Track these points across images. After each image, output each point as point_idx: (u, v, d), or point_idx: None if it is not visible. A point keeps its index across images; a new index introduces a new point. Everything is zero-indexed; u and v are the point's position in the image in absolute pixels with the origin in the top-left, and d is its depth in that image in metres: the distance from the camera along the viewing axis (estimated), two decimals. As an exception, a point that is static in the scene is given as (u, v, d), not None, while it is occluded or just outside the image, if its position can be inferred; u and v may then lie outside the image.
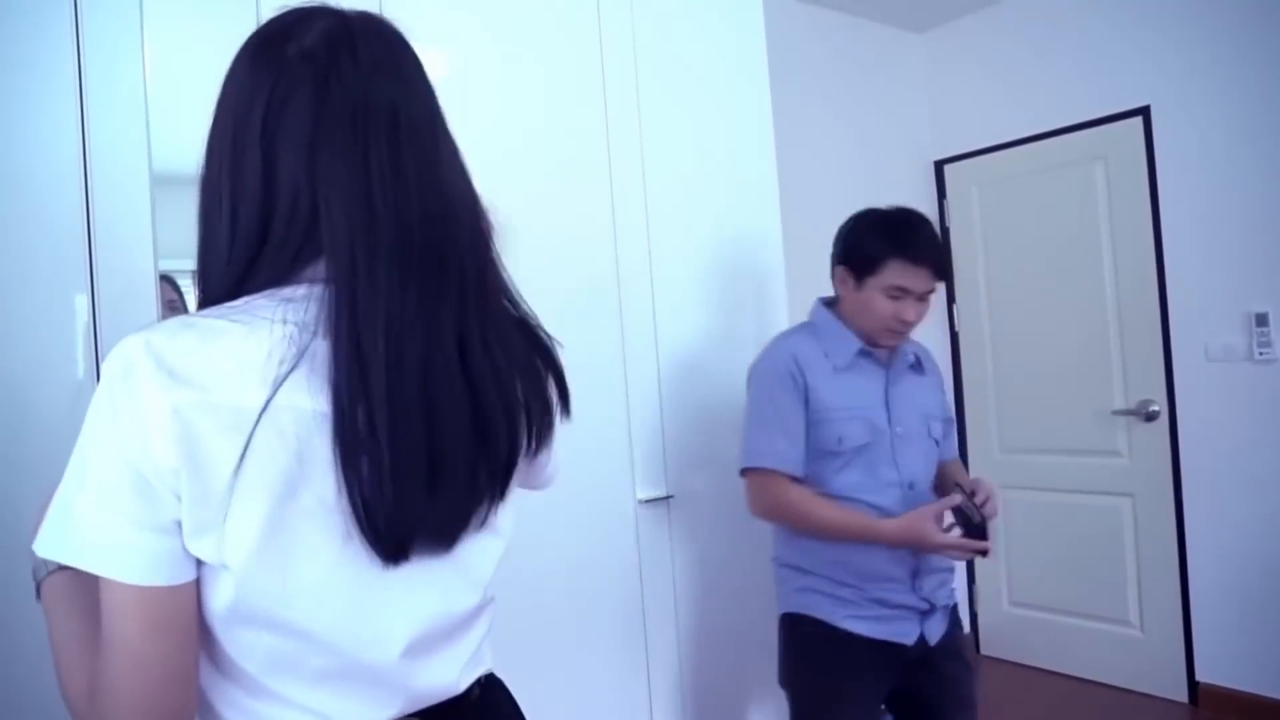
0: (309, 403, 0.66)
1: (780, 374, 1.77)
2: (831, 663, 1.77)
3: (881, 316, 1.74)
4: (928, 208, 3.91)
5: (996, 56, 3.71)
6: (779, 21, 2.89)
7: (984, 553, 1.64)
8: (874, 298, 1.74)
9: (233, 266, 0.71)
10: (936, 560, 1.76)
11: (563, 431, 0.85)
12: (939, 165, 3.93)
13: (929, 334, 3.84)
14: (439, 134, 0.75)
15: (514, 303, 0.81)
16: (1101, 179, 3.39)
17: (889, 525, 1.67)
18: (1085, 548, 3.49)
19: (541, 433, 0.80)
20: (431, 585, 0.75)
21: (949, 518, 1.66)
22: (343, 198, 0.68)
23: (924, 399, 1.84)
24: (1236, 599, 3.10)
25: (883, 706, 1.82)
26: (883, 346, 1.79)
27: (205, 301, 0.73)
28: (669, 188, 2.10)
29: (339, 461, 0.66)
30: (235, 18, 0.77)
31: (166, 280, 1.49)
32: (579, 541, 1.89)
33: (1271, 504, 3.00)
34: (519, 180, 1.85)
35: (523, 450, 0.77)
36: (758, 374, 1.82)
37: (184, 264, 1.23)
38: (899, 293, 1.72)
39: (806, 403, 1.75)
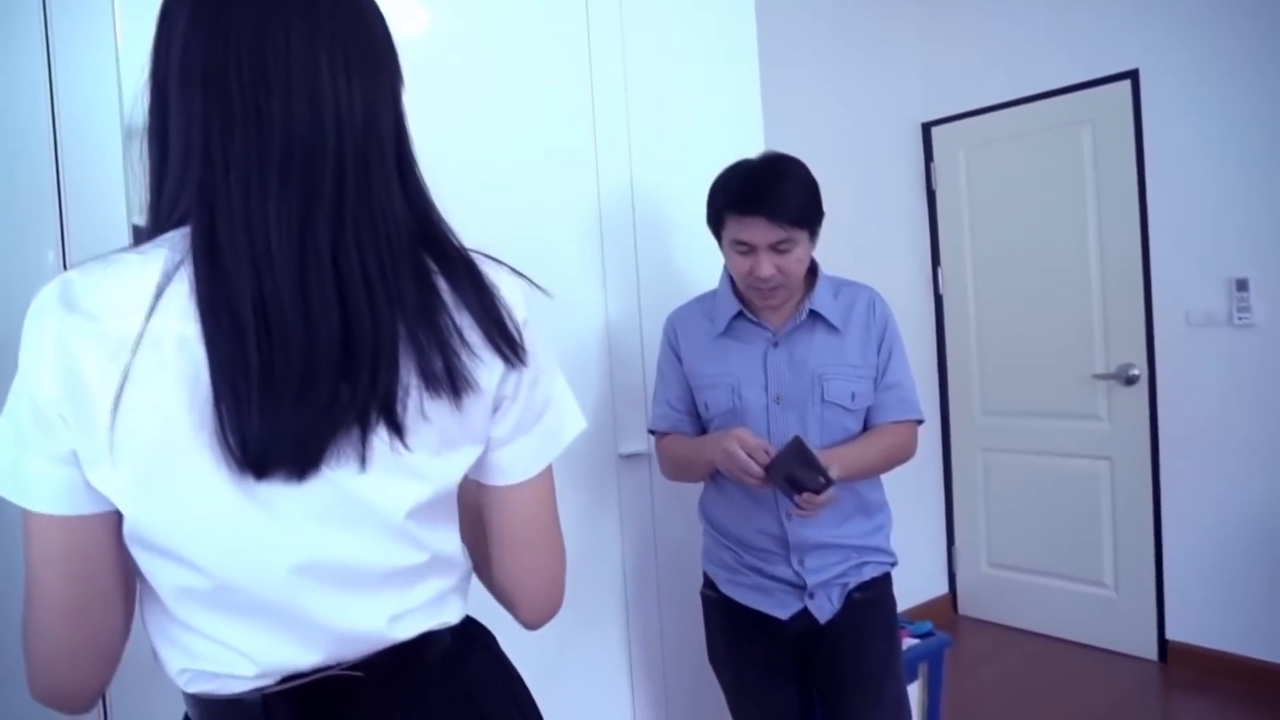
0: (185, 328, 0.66)
1: (663, 342, 1.85)
2: (722, 627, 1.81)
3: (740, 275, 1.67)
4: (915, 170, 3.90)
5: (987, 18, 3.67)
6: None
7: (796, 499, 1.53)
8: (729, 256, 1.69)
9: (151, 205, 0.74)
10: (823, 536, 1.69)
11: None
12: (926, 128, 3.90)
13: (914, 294, 3.86)
14: (319, 45, 0.71)
15: (435, 233, 0.77)
16: (1088, 143, 3.38)
17: (709, 438, 1.70)
18: (1063, 510, 3.54)
19: (452, 370, 0.73)
20: (318, 518, 0.71)
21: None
22: (202, 109, 0.68)
23: (822, 355, 1.69)
24: (1208, 560, 3.16)
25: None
26: (764, 306, 1.71)
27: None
28: (656, 144, 2.08)
29: (211, 379, 0.66)
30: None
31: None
32: (559, 497, 1.90)
33: (1246, 468, 3.05)
34: (507, 137, 1.83)
35: (409, 381, 0.71)
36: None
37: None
38: (743, 247, 1.63)
39: (682, 370, 1.80)
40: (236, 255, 0.66)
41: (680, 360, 1.80)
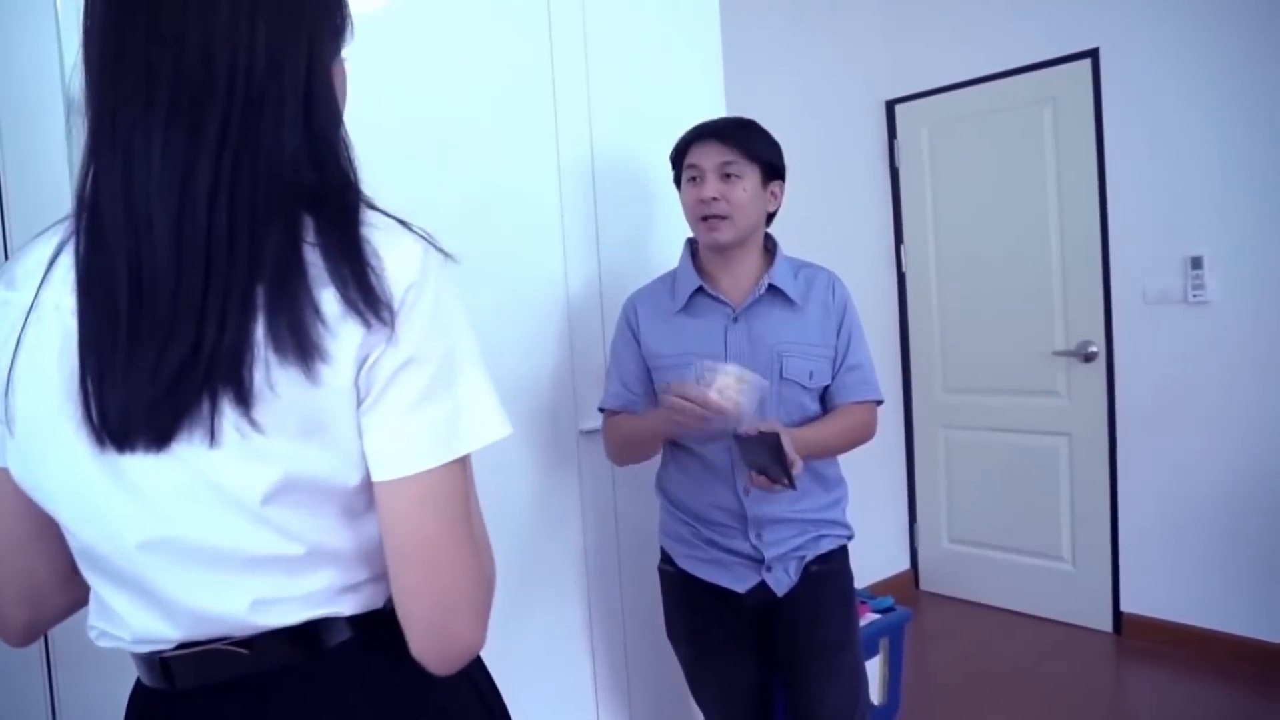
0: (63, 298, 0.70)
1: (620, 322, 1.83)
2: (679, 601, 1.82)
3: (690, 207, 1.72)
4: (878, 147, 3.91)
5: (950, -5, 3.68)
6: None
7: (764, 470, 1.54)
8: (682, 192, 1.75)
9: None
10: (780, 510, 1.70)
11: (497, 362, 0.80)
12: (890, 105, 3.91)
13: (877, 272, 3.88)
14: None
15: (329, 189, 0.72)
16: (1049, 121, 3.41)
17: (653, 410, 1.70)
18: (1023, 486, 3.59)
19: (299, 332, 0.67)
20: (172, 496, 0.70)
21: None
22: (98, 71, 0.68)
23: (782, 332, 1.70)
24: (1163, 534, 3.23)
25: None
26: (714, 248, 1.71)
27: None
28: (617, 122, 2.06)
29: (78, 349, 0.68)
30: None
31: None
32: (519, 472, 1.89)
33: (1200, 443, 3.11)
34: (468, 113, 1.80)
35: (256, 343, 0.66)
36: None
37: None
38: (694, 171, 1.70)
39: (642, 349, 1.77)
40: (115, 215, 0.67)
41: (639, 341, 1.78)
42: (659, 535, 1.88)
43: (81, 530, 0.74)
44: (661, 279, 1.84)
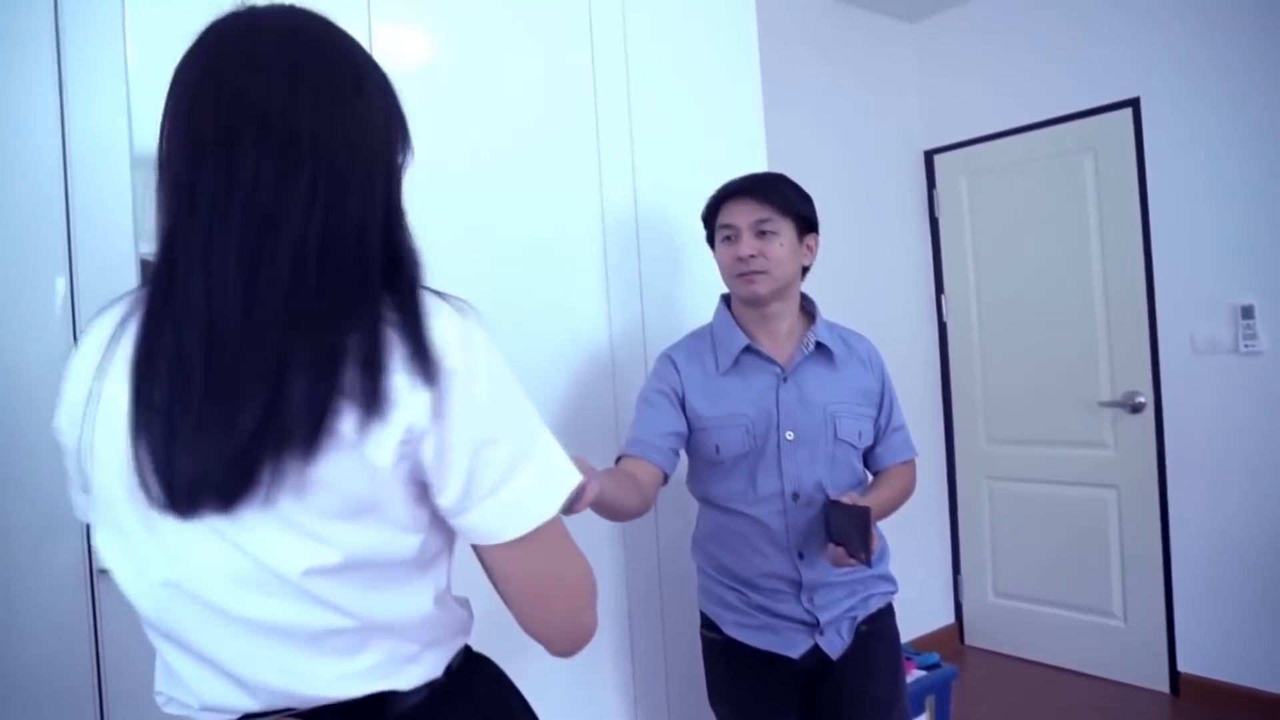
0: (108, 389, 0.74)
1: (659, 374, 1.74)
2: (728, 669, 1.75)
3: (726, 264, 1.70)
4: (917, 197, 3.92)
5: (988, 46, 3.70)
6: (770, 8, 2.88)
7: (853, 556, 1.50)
8: (718, 251, 1.73)
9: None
10: (833, 573, 1.66)
11: (541, 412, 0.81)
12: (929, 155, 3.92)
13: (918, 323, 3.86)
14: (265, 81, 0.73)
15: (363, 261, 0.74)
16: (1091, 170, 3.40)
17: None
18: (1070, 539, 3.51)
19: (372, 399, 0.69)
20: (226, 576, 0.73)
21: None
22: (164, 174, 0.74)
23: (831, 393, 1.70)
24: (1218, 590, 3.12)
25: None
26: (756, 305, 1.69)
27: None
28: (658, 170, 2.09)
29: (132, 431, 0.71)
30: (220, -1, 0.77)
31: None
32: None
33: (1254, 496, 3.03)
34: (509, 167, 1.84)
35: (307, 425, 0.68)
36: (651, 373, 1.78)
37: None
38: (728, 230, 1.69)
39: (685, 412, 1.69)
40: (192, 280, 0.70)
41: (683, 400, 1.70)
42: (699, 600, 1.81)
43: (146, 607, 0.79)
44: (696, 337, 1.79)
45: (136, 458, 0.70)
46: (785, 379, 1.69)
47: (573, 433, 1.92)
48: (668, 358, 1.76)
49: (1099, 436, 3.41)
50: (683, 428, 1.69)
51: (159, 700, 0.82)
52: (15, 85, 1.34)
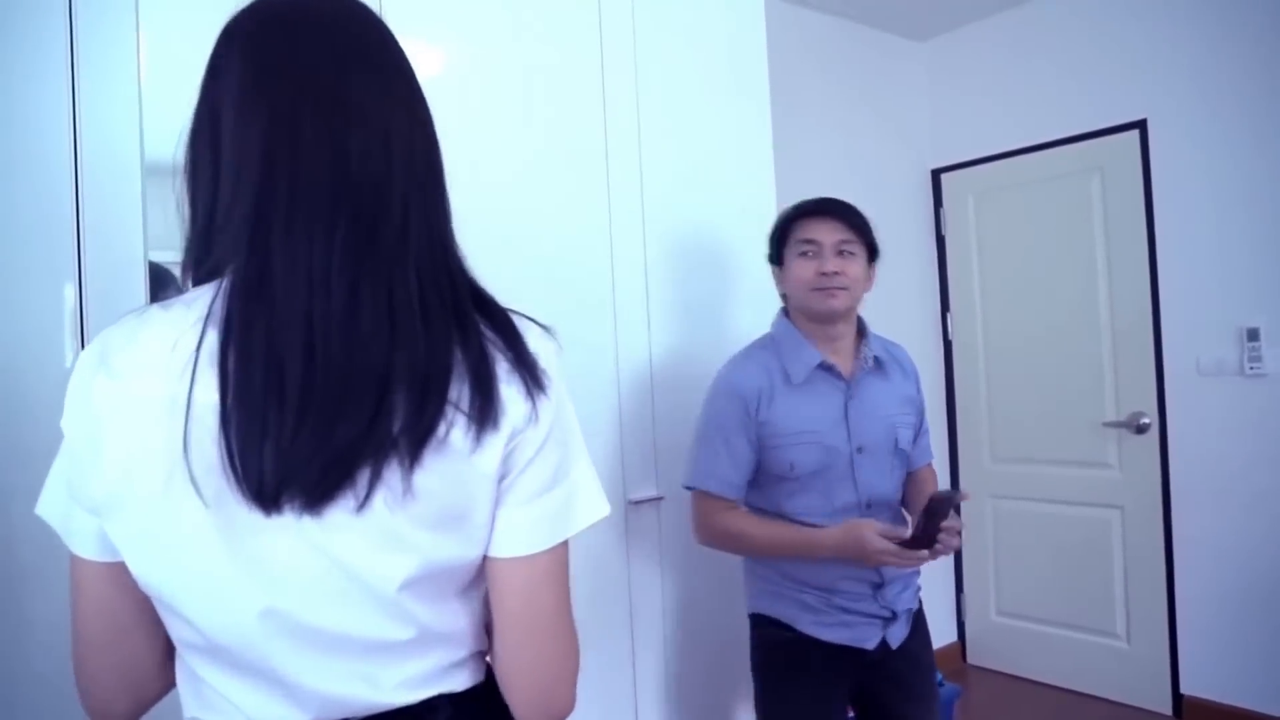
0: (200, 394, 0.67)
1: (732, 397, 1.74)
2: (793, 664, 1.79)
3: (805, 279, 1.74)
4: (924, 216, 3.92)
5: (996, 66, 3.71)
6: (780, 27, 2.89)
7: (924, 559, 1.62)
8: (793, 266, 1.77)
9: (188, 254, 0.74)
10: (901, 570, 1.73)
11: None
12: (936, 174, 3.93)
13: (924, 340, 3.85)
14: (362, 90, 0.73)
15: (455, 276, 0.76)
16: (1097, 191, 3.40)
17: (828, 536, 1.65)
18: (1074, 559, 3.50)
19: (483, 404, 0.71)
20: (336, 602, 0.71)
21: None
22: (247, 170, 0.69)
23: (889, 404, 1.79)
24: (1222, 612, 3.11)
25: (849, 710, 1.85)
26: (827, 321, 1.75)
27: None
28: (666, 189, 2.10)
29: (221, 448, 0.66)
30: (233, 3, 0.76)
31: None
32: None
33: (1259, 518, 3.01)
34: (518, 183, 1.85)
35: (411, 435, 0.69)
36: (713, 392, 1.79)
37: (176, 255, 1.22)
38: (809, 246, 1.74)
39: (759, 428, 1.72)
40: (294, 292, 0.67)
41: (757, 421, 1.72)
42: (762, 605, 1.81)
43: (209, 623, 0.71)
44: (762, 349, 1.81)
45: (228, 454, 0.65)
46: (851, 394, 1.75)
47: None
48: (738, 377, 1.77)
49: (1103, 457, 3.40)
50: (754, 460, 1.75)
51: None
52: (28, 91, 1.35)
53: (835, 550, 1.64)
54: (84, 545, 0.73)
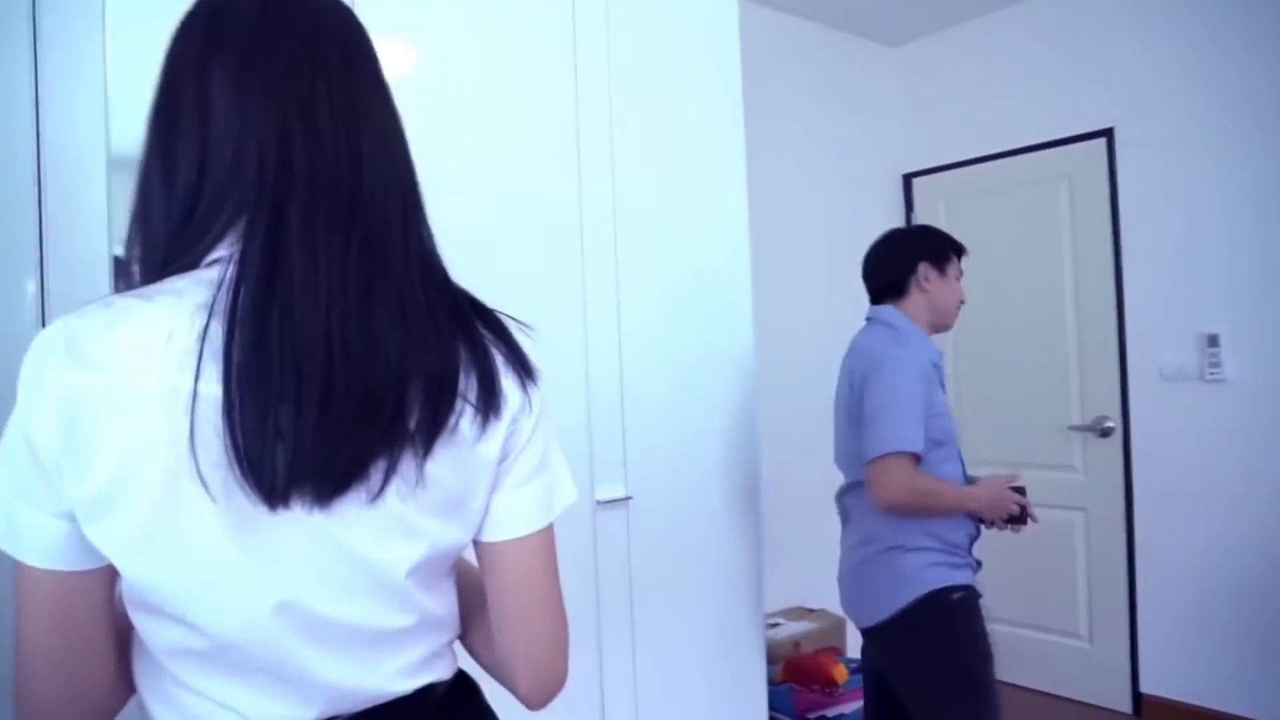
0: (205, 388, 0.64)
1: (922, 370, 1.91)
2: (979, 617, 1.95)
3: (957, 300, 2.09)
4: (895, 220, 3.95)
5: (968, 73, 3.76)
6: (754, 31, 2.90)
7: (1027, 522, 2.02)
8: (953, 285, 2.09)
9: (165, 232, 0.70)
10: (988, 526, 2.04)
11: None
12: (907, 178, 3.97)
13: (892, 344, 3.89)
14: (368, 92, 0.75)
15: (447, 278, 0.79)
16: (1065, 198, 3.45)
17: (980, 490, 1.97)
18: (1038, 561, 3.54)
19: (489, 393, 0.75)
20: (348, 590, 0.71)
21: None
22: (252, 160, 0.68)
23: None
24: (1182, 613, 3.17)
25: None
26: (941, 332, 2.09)
27: (141, 281, 0.72)
28: (638, 188, 2.10)
29: (227, 443, 0.64)
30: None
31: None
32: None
33: (1218, 520, 3.07)
34: (489, 178, 1.84)
35: (425, 428, 0.71)
36: (900, 365, 1.90)
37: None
38: (961, 277, 2.11)
39: (929, 400, 1.91)
40: (309, 281, 0.66)
41: (931, 394, 1.92)
42: (944, 575, 1.91)
43: (220, 623, 0.68)
44: (919, 335, 2.01)
45: (235, 451, 0.63)
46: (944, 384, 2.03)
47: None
48: (928, 360, 1.95)
49: (1068, 460, 3.45)
50: None
51: None
52: (-10, 82, 1.33)
53: (984, 503, 1.94)
54: (40, 554, 0.65)
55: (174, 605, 0.67)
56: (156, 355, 0.63)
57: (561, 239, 1.97)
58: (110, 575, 0.68)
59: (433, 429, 0.71)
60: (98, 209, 1.40)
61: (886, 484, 1.85)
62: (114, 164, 1.43)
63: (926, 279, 2.03)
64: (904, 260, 2.05)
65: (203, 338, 0.64)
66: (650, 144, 2.13)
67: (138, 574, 0.66)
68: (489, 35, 1.86)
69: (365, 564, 0.72)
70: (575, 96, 1.99)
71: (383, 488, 0.69)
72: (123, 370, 0.63)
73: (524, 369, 0.80)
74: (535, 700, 0.85)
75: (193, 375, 0.63)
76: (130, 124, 1.48)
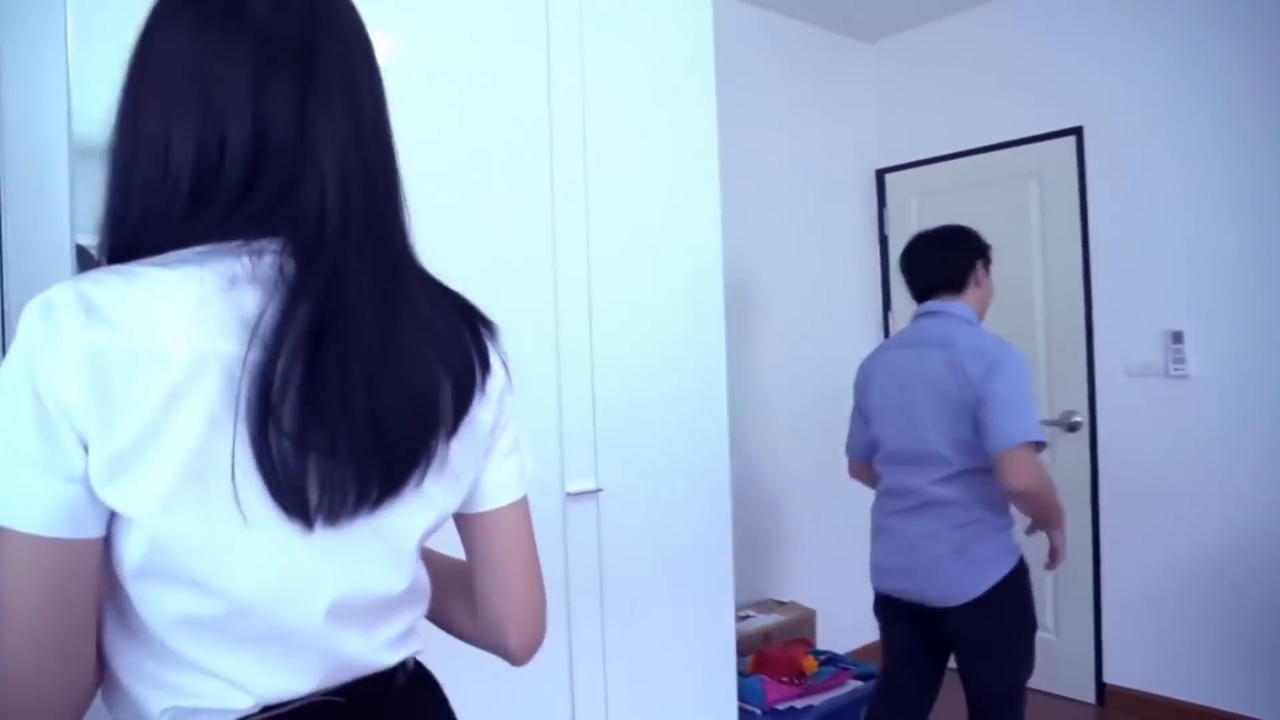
0: (240, 351, 0.65)
1: (1029, 366, 2.08)
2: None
3: (992, 294, 2.26)
4: (868, 215, 3.98)
5: (942, 70, 3.78)
6: (729, 25, 2.90)
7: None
8: (990, 281, 2.27)
9: (168, 229, 0.69)
10: None
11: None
12: (881, 174, 3.99)
13: (866, 338, 3.91)
14: (378, 86, 0.80)
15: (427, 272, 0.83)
16: (1035, 195, 3.49)
17: (1063, 519, 2.16)
18: (1006, 553, 3.59)
19: (471, 390, 0.80)
20: (355, 551, 0.74)
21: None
22: (329, 151, 0.71)
23: None
24: (1146, 605, 3.23)
25: None
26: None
27: (110, 258, 0.71)
28: (611, 182, 2.09)
29: (255, 428, 0.64)
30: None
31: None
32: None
33: (1181, 514, 3.13)
34: (458, 166, 1.83)
35: (453, 414, 0.77)
36: (1018, 363, 2.04)
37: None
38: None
39: None
40: (358, 316, 0.70)
41: None
42: (1013, 552, 2.11)
43: (259, 598, 0.69)
44: (986, 330, 2.18)
45: (274, 479, 0.66)
46: None
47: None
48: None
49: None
50: None
51: (164, 716, 0.70)
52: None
53: (1064, 529, 2.16)
54: (44, 519, 0.62)
55: (196, 567, 0.66)
56: (186, 319, 0.64)
57: (533, 231, 1.96)
58: (101, 548, 0.66)
59: (458, 419, 0.77)
60: (59, 197, 1.38)
61: (1025, 471, 1.95)
62: (78, 151, 1.41)
63: (980, 276, 2.21)
64: (964, 258, 2.21)
65: (253, 327, 0.65)
66: (623, 138, 2.13)
67: (163, 530, 0.64)
68: (456, 28, 1.85)
69: (385, 532, 0.76)
70: (548, 90, 1.98)
71: (422, 478, 0.75)
72: (151, 331, 0.63)
73: (501, 349, 0.85)
74: (524, 655, 0.91)
75: (237, 342, 0.65)
76: (94, 110, 1.47)
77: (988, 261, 2.25)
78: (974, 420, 1.99)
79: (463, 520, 0.88)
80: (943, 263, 2.21)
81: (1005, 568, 2.06)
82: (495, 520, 0.88)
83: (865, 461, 2.34)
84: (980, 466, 2.02)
